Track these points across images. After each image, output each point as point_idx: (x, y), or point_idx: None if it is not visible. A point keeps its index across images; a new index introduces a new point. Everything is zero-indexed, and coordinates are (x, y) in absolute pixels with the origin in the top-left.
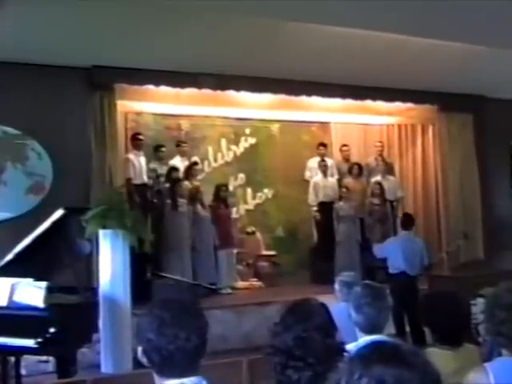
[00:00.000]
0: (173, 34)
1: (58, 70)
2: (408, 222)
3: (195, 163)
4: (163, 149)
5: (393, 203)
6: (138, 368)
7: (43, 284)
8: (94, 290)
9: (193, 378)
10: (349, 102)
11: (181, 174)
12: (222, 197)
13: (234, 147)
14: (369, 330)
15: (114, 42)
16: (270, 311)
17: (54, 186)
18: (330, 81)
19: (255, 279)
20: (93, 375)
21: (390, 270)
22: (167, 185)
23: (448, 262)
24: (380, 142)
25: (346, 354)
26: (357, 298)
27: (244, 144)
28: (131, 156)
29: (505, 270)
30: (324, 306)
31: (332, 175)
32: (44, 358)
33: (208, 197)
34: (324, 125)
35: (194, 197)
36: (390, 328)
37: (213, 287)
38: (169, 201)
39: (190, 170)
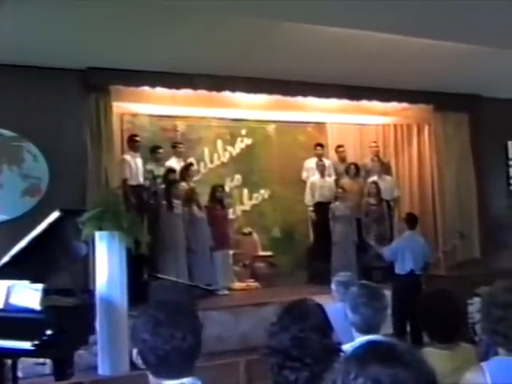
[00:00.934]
0: (168, 36)
1: (54, 72)
2: (414, 221)
3: (191, 164)
4: (160, 150)
5: (389, 203)
6: (134, 370)
7: (39, 286)
8: (90, 292)
9: (188, 379)
10: (344, 102)
11: (177, 176)
12: (218, 198)
13: (230, 148)
14: (365, 330)
15: (109, 43)
16: (266, 312)
17: (50, 187)
18: (325, 81)
19: (252, 280)
20: (90, 377)
21: (398, 271)
22: (163, 186)
23: (444, 262)
24: (375, 142)
25: (342, 354)
26: (353, 298)
27: (240, 145)
28: (127, 157)
29: (501, 269)
30: (320, 307)
31: (329, 175)
32: (41, 360)
33: (204, 198)
34: (320, 125)
35: (190, 198)
36: (387, 328)
37: (210, 288)
38: (164, 202)
39: (186, 171)
